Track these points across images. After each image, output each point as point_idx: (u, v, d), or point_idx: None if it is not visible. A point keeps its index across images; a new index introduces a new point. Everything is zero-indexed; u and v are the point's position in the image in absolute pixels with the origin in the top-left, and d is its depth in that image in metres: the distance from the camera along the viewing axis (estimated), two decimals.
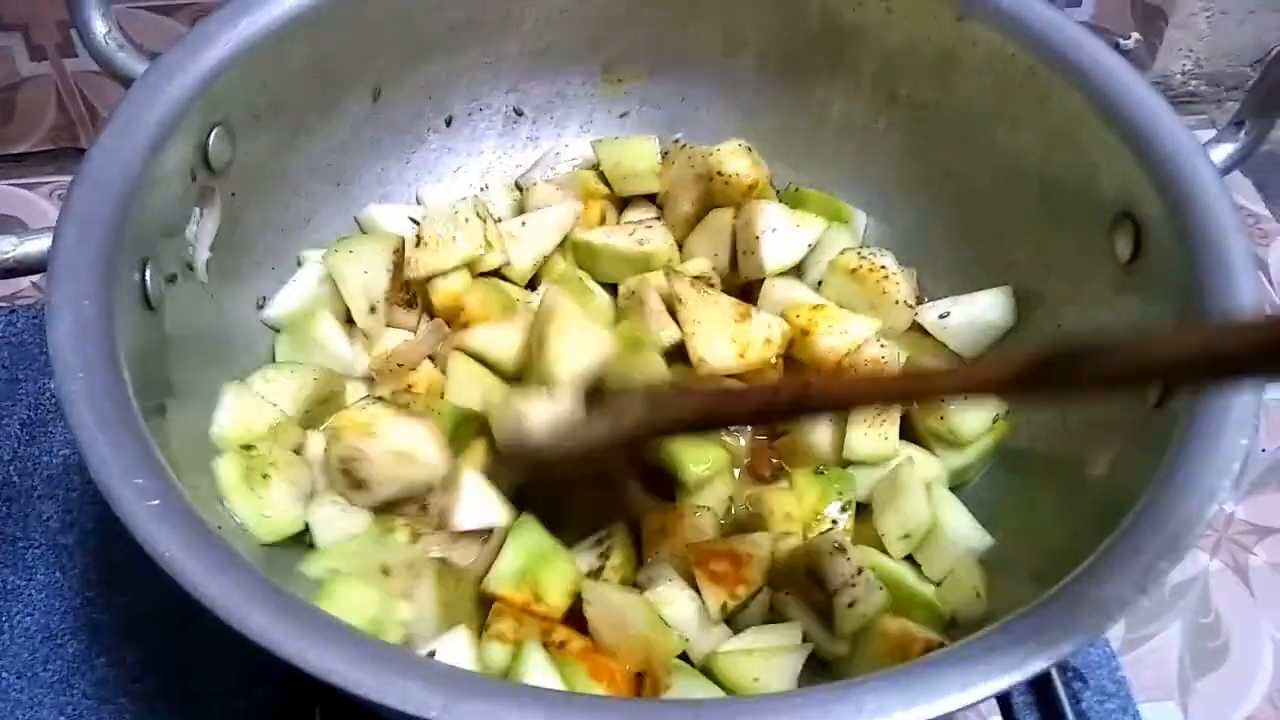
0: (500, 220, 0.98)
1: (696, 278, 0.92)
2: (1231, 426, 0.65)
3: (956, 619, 0.77)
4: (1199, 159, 0.77)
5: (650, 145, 1.00)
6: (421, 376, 0.88)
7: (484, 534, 0.79)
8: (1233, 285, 0.71)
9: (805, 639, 0.75)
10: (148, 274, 0.72)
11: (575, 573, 0.77)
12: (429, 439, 0.79)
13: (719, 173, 0.96)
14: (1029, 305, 0.90)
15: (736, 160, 0.96)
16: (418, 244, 0.90)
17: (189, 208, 0.78)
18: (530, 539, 0.77)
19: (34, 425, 0.98)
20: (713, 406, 0.74)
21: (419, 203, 1.01)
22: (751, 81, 1.02)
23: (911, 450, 0.86)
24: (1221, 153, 0.84)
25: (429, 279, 0.91)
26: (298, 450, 0.80)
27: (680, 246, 0.98)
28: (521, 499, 0.80)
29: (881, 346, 0.88)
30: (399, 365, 0.88)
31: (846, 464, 0.86)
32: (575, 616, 0.76)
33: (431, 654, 0.68)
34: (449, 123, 1.01)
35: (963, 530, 0.80)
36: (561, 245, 0.97)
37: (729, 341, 0.88)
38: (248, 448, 0.76)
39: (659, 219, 0.99)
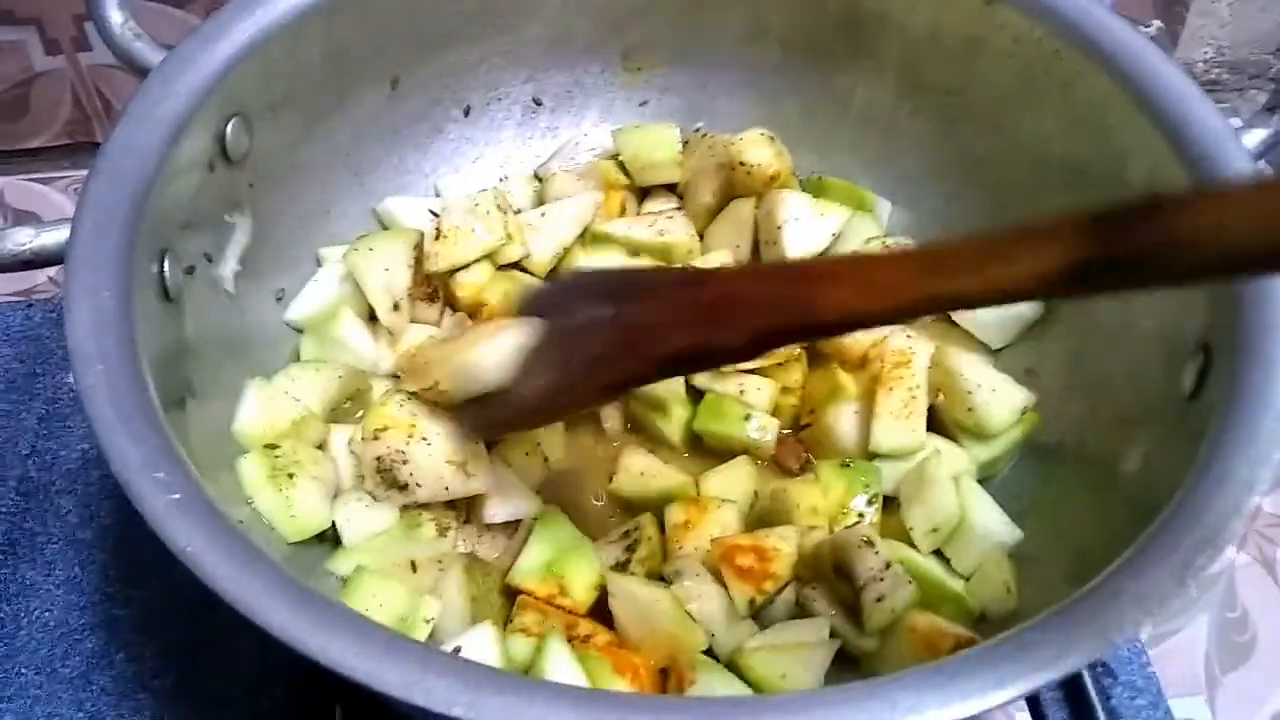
0: (520, 211, 0.97)
1: None
2: (1269, 417, 0.64)
3: (986, 614, 0.76)
4: (1232, 143, 0.75)
5: (671, 134, 0.99)
6: None
7: (511, 527, 0.78)
8: None
9: (833, 634, 0.74)
10: (166, 266, 0.72)
11: (601, 566, 0.76)
12: (481, 453, 0.78)
13: (741, 162, 0.95)
14: None
15: (758, 150, 0.95)
16: (437, 237, 0.90)
17: (207, 199, 0.78)
18: (556, 531, 0.76)
19: (52, 420, 0.98)
20: (696, 342, 0.64)
21: (437, 194, 1.00)
22: (773, 69, 1.01)
23: (938, 443, 0.85)
24: (1254, 138, 0.82)
25: (450, 272, 0.90)
26: (321, 446, 0.80)
27: (701, 237, 0.98)
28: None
29: (908, 337, 0.87)
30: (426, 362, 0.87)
31: (873, 457, 0.85)
32: (601, 610, 0.75)
33: (457, 649, 0.67)
34: (467, 112, 1.00)
35: (991, 524, 0.79)
36: (581, 236, 0.96)
37: None
38: (271, 446, 0.76)
39: (679, 209, 0.99)
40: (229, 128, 0.78)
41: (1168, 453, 0.69)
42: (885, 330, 0.87)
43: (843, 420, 0.86)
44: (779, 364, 0.88)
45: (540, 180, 1.02)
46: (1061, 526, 0.78)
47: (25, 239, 0.71)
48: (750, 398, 0.87)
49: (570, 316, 0.68)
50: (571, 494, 0.83)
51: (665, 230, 0.95)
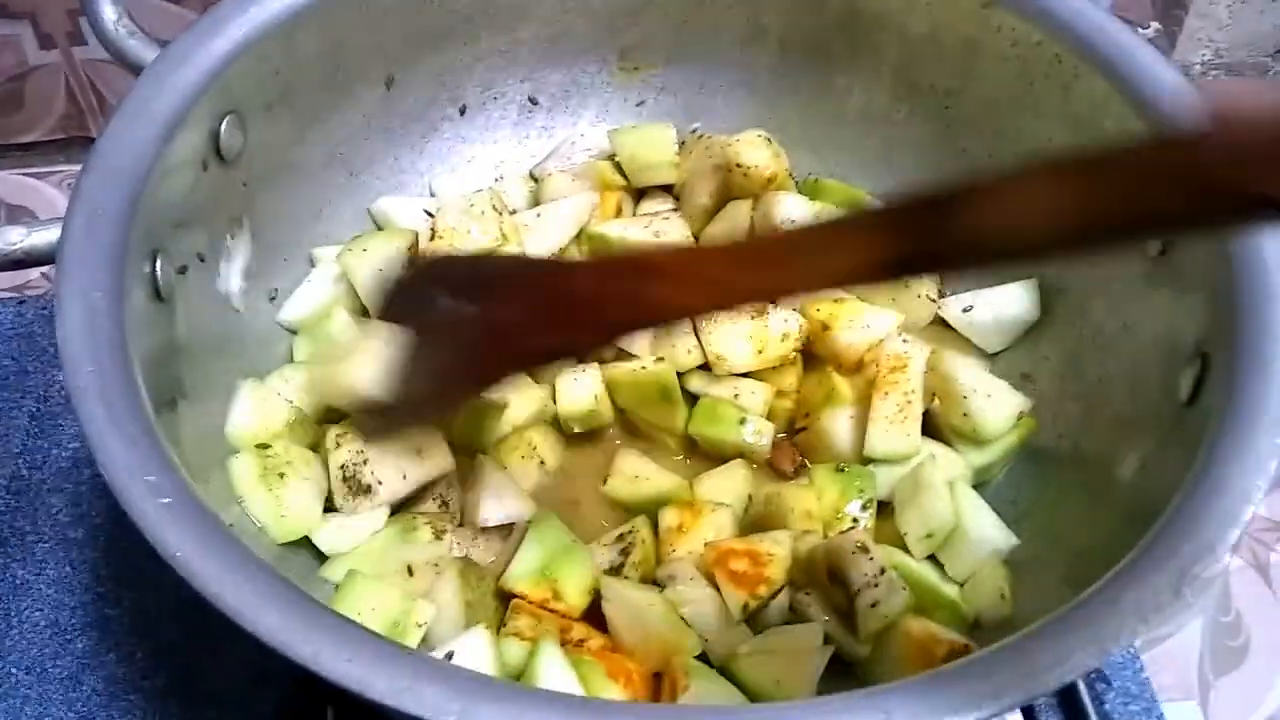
0: (515, 212, 0.96)
1: None
2: (1265, 425, 0.64)
3: (981, 620, 0.76)
4: None
5: (667, 135, 0.99)
6: None
7: (505, 530, 0.78)
8: (1267, 279, 0.69)
9: (827, 640, 0.74)
10: (158, 265, 0.71)
11: (595, 570, 0.76)
12: (442, 447, 0.78)
13: (738, 164, 0.94)
14: (1054, 299, 0.89)
15: (755, 151, 0.95)
16: (432, 237, 0.89)
17: (200, 198, 0.77)
18: (550, 535, 0.76)
19: (43, 418, 0.97)
20: (554, 341, 0.68)
21: (432, 194, 0.99)
22: (771, 69, 1.00)
23: (934, 447, 0.85)
24: None
25: None
26: (314, 448, 0.79)
27: (697, 239, 0.97)
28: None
29: (904, 342, 0.86)
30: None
31: (867, 461, 0.84)
32: (595, 614, 0.75)
33: (450, 654, 0.67)
34: (463, 111, 0.99)
35: (987, 530, 0.79)
36: (577, 237, 0.96)
37: (746, 338, 0.86)
38: (263, 446, 0.75)
39: (676, 210, 0.98)
40: (223, 126, 0.77)
41: (1164, 459, 0.69)
42: (880, 334, 0.87)
43: (838, 424, 0.85)
44: (774, 368, 0.87)
45: (536, 180, 1.02)
46: (1057, 532, 0.78)
47: (16, 238, 0.70)
48: (745, 401, 0.87)
49: (433, 312, 0.70)
50: (568, 497, 0.82)
51: (661, 231, 0.94)
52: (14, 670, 0.83)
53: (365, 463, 0.77)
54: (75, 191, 0.68)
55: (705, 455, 0.88)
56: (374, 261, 0.87)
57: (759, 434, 0.86)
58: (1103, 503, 0.74)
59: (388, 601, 0.70)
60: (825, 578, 0.75)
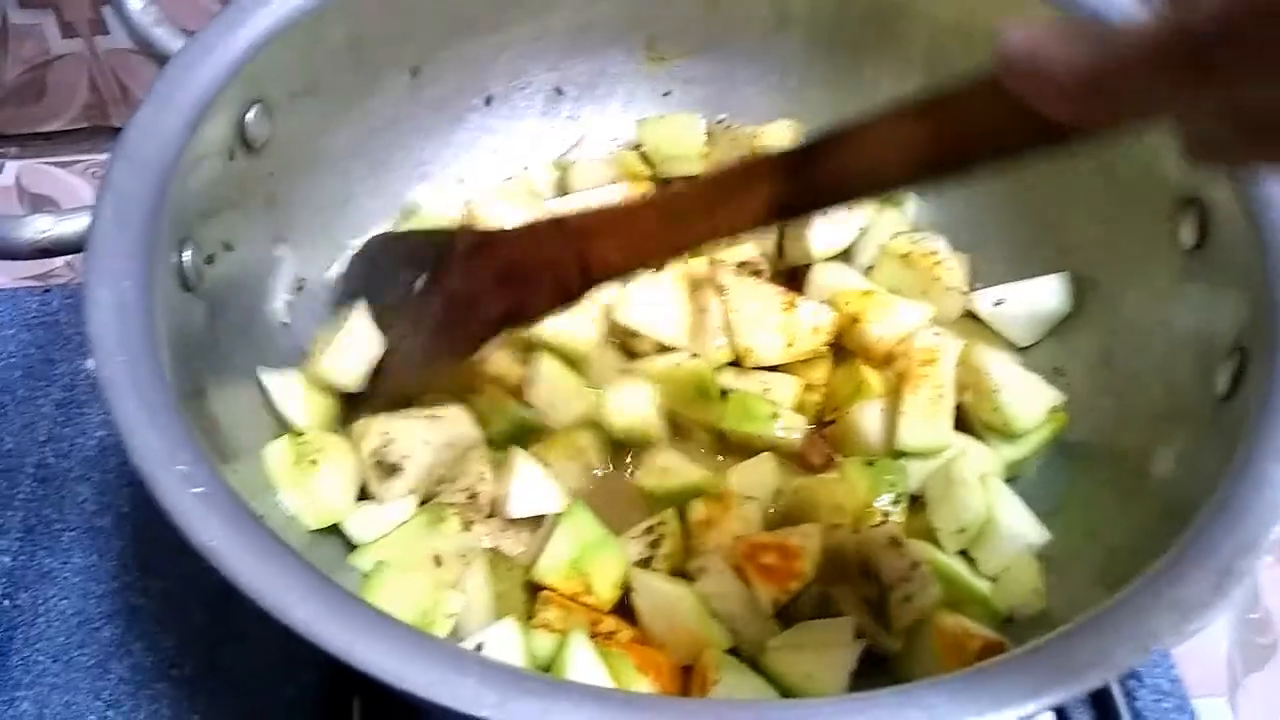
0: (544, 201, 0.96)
1: (741, 264, 0.90)
2: None
3: (1013, 616, 0.75)
4: None
5: (695, 124, 0.98)
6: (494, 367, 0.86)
7: (535, 522, 0.78)
8: None
9: (858, 634, 0.73)
10: (186, 255, 0.71)
11: (626, 563, 0.76)
12: (459, 409, 0.79)
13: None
14: (1087, 291, 0.88)
15: (783, 141, 0.94)
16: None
17: (227, 188, 0.77)
18: (581, 527, 0.75)
19: (69, 406, 0.97)
20: (511, 306, 0.73)
21: (460, 183, 0.99)
22: (798, 59, 0.99)
23: (965, 441, 0.84)
24: None
25: None
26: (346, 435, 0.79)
27: None
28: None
29: (935, 335, 0.85)
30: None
31: (898, 455, 0.83)
32: (624, 606, 0.75)
33: (479, 646, 0.66)
34: (489, 101, 0.99)
35: (1019, 525, 0.78)
36: None
37: (775, 331, 0.86)
38: (297, 434, 0.75)
39: None
40: (249, 115, 0.77)
41: (1201, 454, 0.68)
42: (911, 327, 0.86)
43: (868, 418, 0.85)
44: (803, 361, 0.87)
45: (562, 171, 1.01)
46: (1090, 527, 0.77)
47: (45, 226, 0.70)
48: (774, 395, 0.86)
49: (395, 285, 0.78)
50: (603, 491, 0.83)
51: None
52: (41, 659, 0.83)
53: (393, 441, 0.77)
54: (104, 179, 0.67)
55: (734, 449, 0.87)
56: None
57: (790, 429, 0.85)
58: (1137, 498, 0.73)
59: (417, 592, 0.70)
60: (856, 572, 0.75)
